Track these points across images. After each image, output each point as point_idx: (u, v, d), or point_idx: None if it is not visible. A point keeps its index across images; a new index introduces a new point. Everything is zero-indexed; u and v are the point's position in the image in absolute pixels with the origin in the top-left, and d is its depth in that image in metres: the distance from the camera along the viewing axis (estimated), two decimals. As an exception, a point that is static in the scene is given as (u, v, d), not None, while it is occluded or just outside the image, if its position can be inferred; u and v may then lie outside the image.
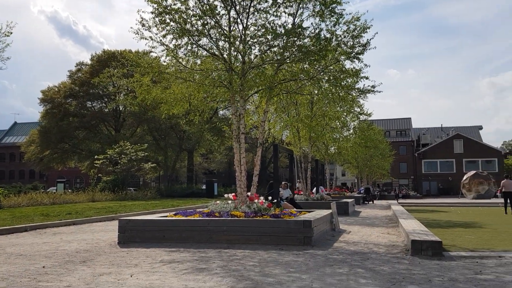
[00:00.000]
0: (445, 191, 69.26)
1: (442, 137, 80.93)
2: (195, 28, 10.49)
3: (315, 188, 23.99)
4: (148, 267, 6.31)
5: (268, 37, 10.33)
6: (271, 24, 10.38)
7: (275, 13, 10.55)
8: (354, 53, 10.86)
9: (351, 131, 29.17)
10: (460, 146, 73.99)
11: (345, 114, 22.28)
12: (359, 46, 10.86)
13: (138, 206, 20.96)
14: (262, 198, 10.65)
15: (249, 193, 10.84)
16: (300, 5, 10.76)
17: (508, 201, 18.34)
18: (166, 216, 9.88)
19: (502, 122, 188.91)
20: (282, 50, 10.49)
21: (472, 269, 6.08)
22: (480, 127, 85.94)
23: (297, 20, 10.68)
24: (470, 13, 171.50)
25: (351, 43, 10.87)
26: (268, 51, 10.82)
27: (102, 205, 21.00)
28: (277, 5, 10.43)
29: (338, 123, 23.08)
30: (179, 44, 10.66)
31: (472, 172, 43.26)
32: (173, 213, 10.52)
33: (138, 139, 42.84)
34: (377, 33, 10.77)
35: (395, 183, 72.67)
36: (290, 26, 10.48)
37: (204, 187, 43.11)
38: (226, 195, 11.36)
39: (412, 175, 76.70)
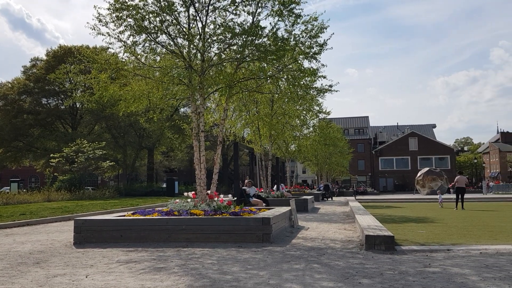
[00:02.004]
0: (401, 187, 71.55)
1: (398, 135, 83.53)
2: (153, 25, 10.38)
3: (275, 185, 24.23)
4: (104, 267, 6.22)
5: (227, 35, 10.36)
6: (230, 23, 10.41)
7: (234, 12, 10.60)
8: (311, 53, 11.06)
9: (311, 129, 29.61)
10: (415, 144, 76.65)
11: (304, 112, 22.61)
12: (316, 46, 11.07)
13: (96, 205, 20.50)
14: (222, 196, 10.71)
15: (209, 191, 10.85)
16: (259, 4, 10.85)
17: (460, 196, 19.16)
18: (124, 216, 9.75)
19: (454, 120, 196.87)
20: (241, 49, 10.55)
21: (422, 262, 6.35)
22: (434, 125, 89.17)
23: (256, 19, 10.77)
24: (424, 14, 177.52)
25: (309, 43, 11.07)
26: (227, 50, 10.86)
27: (58, 205, 20.40)
28: (236, 4, 10.47)
29: (298, 121, 23.38)
30: (136, 41, 10.53)
31: (426, 169, 44.87)
32: (131, 212, 10.38)
33: (96, 137, 41.84)
34: (333, 33, 11.04)
35: (353, 180, 74.41)
36: (249, 25, 10.55)
37: (164, 185, 42.65)
38: (186, 194, 11.32)
39: (370, 172, 78.76)
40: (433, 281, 5.15)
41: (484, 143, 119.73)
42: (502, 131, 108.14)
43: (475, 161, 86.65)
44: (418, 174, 44.70)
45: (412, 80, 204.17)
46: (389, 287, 4.88)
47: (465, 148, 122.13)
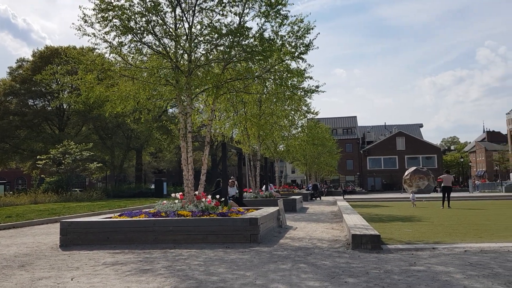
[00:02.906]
0: (389, 187, 72.09)
1: (386, 134, 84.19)
2: (139, 26, 10.34)
3: (264, 185, 24.27)
4: (90, 269, 6.18)
5: (214, 36, 10.36)
6: (217, 24, 10.41)
7: (221, 12, 10.60)
8: (297, 53, 11.10)
9: (299, 129, 29.71)
10: (402, 143, 77.32)
11: (293, 112, 22.69)
12: (302, 46, 11.11)
13: (83, 207, 20.33)
14: (209, 197, 10.70)
15: (196, 192, 10.83)
16: (246, 5, 10.87)
17: (446, 195, 19.37)
18: (111, 218, 9.69)
19: (441, 120, 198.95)
20: (228, 50, 10.55)
21: (407, 261, 6.41)
22: (421, 125, 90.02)
23: (243, 20, 10.78)
24: (412, 15, 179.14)
25: (295, 43, 11.11)
26: (214, 50, 10.85)
27: (45, 207, 20.20)
28: (223, 5, 10.47)
29: (286, 122, 23.45)
30: (122, 42, 10.47)
31: (413, 168, 45.26)
32: (118, 214, 10.32)
33: (83, 138, 41.46)
34: (319, 33, 11.11)
35: (342, 180, 74.80)
36: (236, 25, 10.56)
37: (153, 186, 42.44)
38: (173, 195, 11.29)
39: (358, 171, 79.24)
40: (417, 279, 5.20)
41: (470, 142, 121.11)
42: (488, 130, 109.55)
43: (462, 160, 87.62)
44: (406, 173, 45.07)
45: (399, 80, 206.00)
46: (374, 286, 4.92)
47: (452, 147, 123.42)
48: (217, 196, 10.67)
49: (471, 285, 4.86)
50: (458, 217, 13.69)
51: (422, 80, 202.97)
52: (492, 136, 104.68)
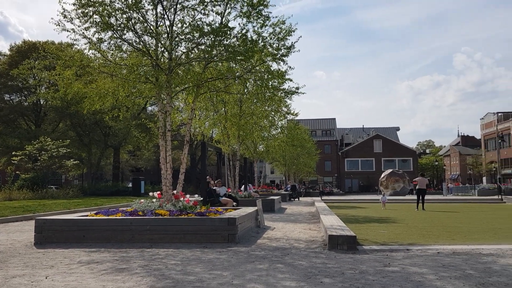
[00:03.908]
0: (366, 188, 73.00)
1: (363, 137, 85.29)
2: (119, 22, 10.24)
3: (243, 185, 24.29)
4: (65, 268, 6.11)
5: (195, 34, 10.33)
6: (199, 22, 10.39)
7: (202, 11, 10.58)
8: (279, 55, 11.17)
9: (279, 130, 29.83)
10: (379, 146, 78.45)
11: (273, 113, 22.77)
12: (284, 48, 11.18)
13: (59, 205, 20.00)
14: (188, 196, 10.68)
15: (175, 191, 10.79)
16: (228, 5, 10.87)
17: (420, 197, 19.74)
18: (87, 216, 9.57)
19: (418, 123, 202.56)
20: (209, 49, 10.54)
21: (382, 261, 6.53)
22: (398, 128, 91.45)
23: (224, 20, 10.78)
24: (390, 19, 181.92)
25: (277, 45, 11.17)
26: (195, 49, 10.83)
27: (20, 204, 19.78)
28: (205, 3, 10.45)
29: (266, 122, 23.52)
30: (102, 38, 10.36)
31: (389, 171, 45.94)
32: (95, 212, 10.20)
33: (60, 134, 40.72)
34: (301, 36, 11.18)
35: (320, 181, 75.38)
36: (217, 25, 10.56)
37: (130, 185, 41.97)
38: (151, 194, 11.22)
39: (336, 173, 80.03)
40: (392, 280, 5.31)
41: (445, 146, 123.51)
42: (462, 134, 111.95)
43: (436, 163, 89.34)
44: (382, 176, 45.71)
45: (378, 84, 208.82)
46: (350, 286, 5.00)
47: (427, 151, 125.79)
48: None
49: (443, 286, 4.98)
50: (432, 219, 13.98)
51: (400, 84, 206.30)
52: (467, 141, 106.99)
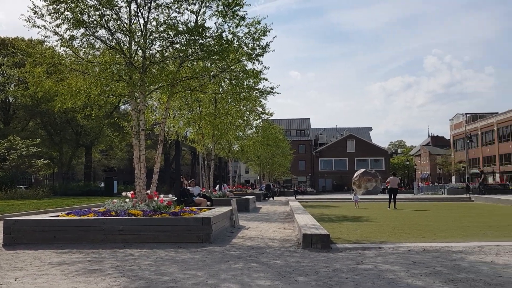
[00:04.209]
0: (339, 188, 73.86)
1: (337, 137, 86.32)
2: (92, 19, 10.06)
3: (218, 185, 24.23)
4: (36, 269, 5.97)
5: (170, 33, 10.25)
6: (173, 21, 10.30)
7: (177, 10, 10.50)
8: (254, 54, 11.19)
9: (254, 129, 29.90)
10: (353, 146, 79.57)
11: (248, 113, 22.79)
12: (259, 48, 11.21)
13: (29, 205, 19.51)
14: (162, 196, 10.59)
15: (148, 191, 10.68)
16: (203, 4, 10.82)
17: (392, 196, 20.11)
18: (58, 216, 9.38)
19: (389, 124, 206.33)
20: (184, 48, 10.47)
21: (355, 259, 6.63)
22: (370, 128, 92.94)
23: (200, 19, 10.73)
24: (363, 21, 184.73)
25: (252, 45, 11.19)
26: (170, 48, 10.73)
27: (-14, 205, 19.20)
28: (180, 2, 10.38)
29: (241, 122, 23.52)
30: (74, 35, 10.15)
31: (362, 170, 46.61)
32: (66, 212, 10.00)
33: (30, 133, 39.74)
34: (276, 36, 11.22)
35: (294, 180, 75.86)
36: (192, 24, 10.50)
37: (102, 185, 41.30)
38: (124, 194, 11.08)
39: (310, 172, 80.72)
40: (364, 277, 5.40)
41: (416, 146, 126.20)
42: (432, 135, 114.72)
43: (408, 163, 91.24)
44: (355, 175, 46.31)
45: (351, 85, 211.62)
46: (323, 284, 5.06)
47: (399, 151, 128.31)
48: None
49: (414, 283, 5.10)
50: (403, 218, 14.26)
51: (372, 84, 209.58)
52: (436, 141, 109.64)
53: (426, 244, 8.17)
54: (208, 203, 14.64)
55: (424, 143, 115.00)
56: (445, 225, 11.79)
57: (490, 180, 65.53)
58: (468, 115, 79.37)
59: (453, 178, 76.11)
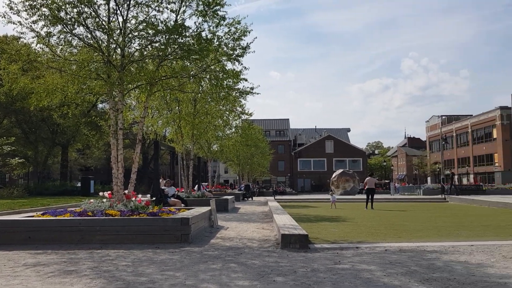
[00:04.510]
0: (317, 188, 74.44)
1: (316, 137, 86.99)
2: (70, 16, 9.89)
3: (197, 185, 24.13)
4: (9, 271, 5.84)
5: (149, 32, 10.16)
6: (153, 19, 10.22)
7: (157, 8, 10.41)
8: (234, 55, 11.18)
9: (233, 129, 29.87)
10: (331, 147, 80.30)
11: (227, 113, 22.76)
12: (239, 48, 11.21)
13: (3, 205, 19.05)
14: (140, 196, 10.50)
15: (126, 191, 10.56)
16: (184, 3, 10.76)
17: (370, 197, 20.38)
18: (33, 216, 9.19)
19: (367, 125, 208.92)
20: (163, 47, 10.39)
21: (333, 259, 6.70)
22: (349, 129, 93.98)
23: (179, 18, 10.66)
24: (341, 23, 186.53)
25: (232, 45, 11.18)
26: (149, 46, 10.64)
27: (-43, 205, 18.69)
28: (159, 0, 10.30)
29: (220, 122, 23.47)
30: (51, 32, 9.97)
31: (340, 171, 47.09)
32: (41, 212, 9.82)
33: (5, 131, 38.80)
34: (256, 37, 11.25)
35: (273, 180, 76.08)
36: (172, 23, 10.43)
37: (79, 184, 40.67)
38: (101, 193, 10.94)
39: (289, 172, 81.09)
40: (342, 277, 5.46)
41: (393, 147, 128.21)
42: (409, 136, 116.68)
43: (385, 163, 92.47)
44: (333, 176, 46.74)
45: (330, 86, 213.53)
46: (301, 284, 5.10)
47: (376, 152, 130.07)
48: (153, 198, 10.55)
49: (390, 283, 5.18)
50: (380, 218, 14.46)
51: (351, 86, 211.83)
52: (413, 142, 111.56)
53: (402, 244, 8.30)
54: (183, 205, 14.45)
55: (401, 144, 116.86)
56: (421, 225, 12.00)
57: (465, 181, 67.03)
58: (443, 117, 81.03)
59: (429, 179, 77.54)
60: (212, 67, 11.74)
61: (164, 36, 10.25)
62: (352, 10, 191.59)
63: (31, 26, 9.90)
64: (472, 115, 71.70)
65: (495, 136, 63.48)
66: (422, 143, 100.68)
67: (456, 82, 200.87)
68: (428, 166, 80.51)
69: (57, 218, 8.70)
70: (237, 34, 11.21)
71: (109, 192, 10.65)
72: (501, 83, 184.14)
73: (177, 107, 20.02)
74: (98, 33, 10.35)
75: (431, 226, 11.88)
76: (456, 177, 71.36)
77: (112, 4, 10.28)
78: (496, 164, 62.48)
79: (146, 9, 10.42)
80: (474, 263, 6.36)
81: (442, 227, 11.47)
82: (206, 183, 34.17)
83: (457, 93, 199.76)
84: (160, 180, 16.13)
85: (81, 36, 10.31)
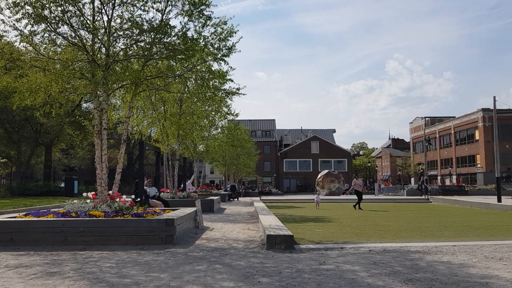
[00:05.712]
0: (303, 188, 74.71)
1: (302, 138, 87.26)
2: (54, 15, 9.77)
3: (182, 185, 24.01)
4: (-10, 273, 5.75)
5: (134, 31, 10.09)
6: (138, 19, 10.15)
7: (142, 8, 10.35)
8: (220, 55, 11.17)
9: (219, 130, 29.83)
10: (317, 147, 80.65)
11: (213, 113, 22.72)
12: (225, 48, 11.20)
13: (-18, 206, 18.73)
14: (125, 197, 10.41)
15: (110, 192, 10.47)
16: (169, 2, 10.71)
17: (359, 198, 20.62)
18: (15, 217, 9.06)
19: (352, 126, 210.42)
20: (149, 46, 10.33)
21: (318, 260, 6.73)
22: (334, 130, 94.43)
23: (165, 18, 10.61)
24: (327, 24, 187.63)
25: (218, 45, 11.17)
26: (134, 46, 10.57)
27: None
28: (145, 0, 10.24)
29: (206, 122, 23.42)
30: (35, 31, 9.84)
31: (325, 171, 47.28)
32: (24, 213, 9.67)
33: (-14, 131, 38.19)
34: (242, 37, 11.26)
35: (259, 181, 76.11)
36: (158, 22, 10.37)
37: (63, 185, 40.17)
38: (85, 194, 10.83)
39: (275, 173, 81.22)
40: (326, 278, 5.49)
41: (377, 148, 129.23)
42: (393, 137, 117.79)
43: (369, 164, 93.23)
44: (318, 176, 46.92)
45: (315, 87, 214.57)
46: (286, 285, 5.11)
47: (361, 152, 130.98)
48: (133, 196, 10.44)
49: (374, 283, 5.23)
50: (365, 219, 14.58)
51: (336, 87, 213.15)
52: (397, 143, 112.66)
53: (386, 244, 8.38)
54: (163, 206, 14.18)
55: (385, 145, 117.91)
56: (405, 226, 12.13)
57: (447, 181, 67.93)
58: (427, 118, 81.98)
59: (412, 179, 78.37)
60: (198, 67, 11.71)
61: (149, 35, 10.20)
62: (337, 11, 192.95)
63: (14, 24, 9.78)
64: (455, 117, 72.67)
65: (477, 137, 64.44)
66: (406, 144, 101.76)
67: (440, 84, 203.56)
68: (412, 167, 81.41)
69: (40, 219, 8.58)
70: (223, 34, 11.21)
71: (93, 192, 10.55)
72: (484, 85, 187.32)
73: (162, 107, 19.92)
74: (82, 32, 10.27)
75: (414, 226, 12.02)
76: (439, 177, 72.36)
77: (97, 3, 10.19)
78: (478, 165, 63.44)
79: (132, 8, 10.36)
80: (456, 263, 6.46)
81: (425, 228, 11.61)
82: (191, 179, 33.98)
83: (441, 94, 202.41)
84: (146, 180, 15.95)
85: (65, 35, 10.20)
